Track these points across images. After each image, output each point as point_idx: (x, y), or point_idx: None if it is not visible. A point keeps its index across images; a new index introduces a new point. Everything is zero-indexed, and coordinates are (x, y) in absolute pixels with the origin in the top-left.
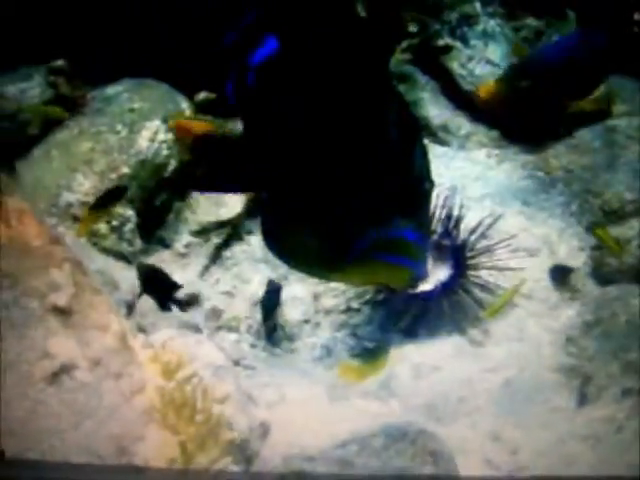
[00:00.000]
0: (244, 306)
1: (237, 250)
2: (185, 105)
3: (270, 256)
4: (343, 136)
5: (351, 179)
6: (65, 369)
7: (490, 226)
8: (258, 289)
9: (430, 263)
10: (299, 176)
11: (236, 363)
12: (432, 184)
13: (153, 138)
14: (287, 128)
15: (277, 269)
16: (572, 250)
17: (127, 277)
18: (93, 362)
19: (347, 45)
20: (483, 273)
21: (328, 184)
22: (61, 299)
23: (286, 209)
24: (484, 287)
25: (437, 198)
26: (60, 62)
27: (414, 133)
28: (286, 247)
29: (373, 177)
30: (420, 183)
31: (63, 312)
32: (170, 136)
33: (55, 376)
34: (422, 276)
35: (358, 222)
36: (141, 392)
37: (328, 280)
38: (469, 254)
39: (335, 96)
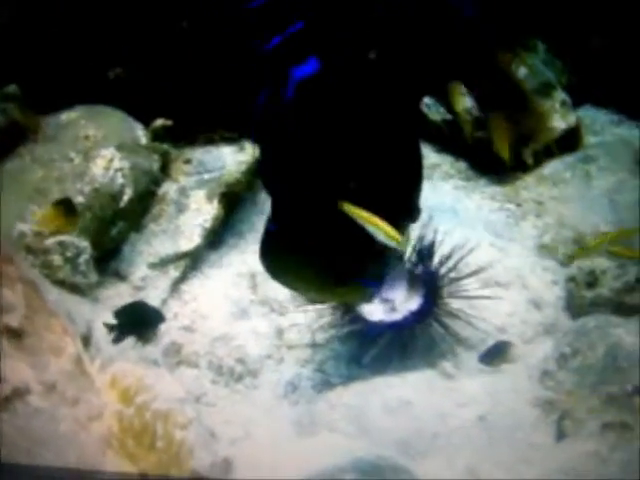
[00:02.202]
0: (204, 341)
1: (196, 284)
2: (141, 132)
3: (230, 291)
4: (366, 167)
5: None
6: (18, 394)
7: (462, 257)
8: (219, 324)
9: (402, 293)
10: (314, 201)
11: (197, 399)
12: (418, 212)
13: (108, 166)
14: (315, 150)
15: (238, 303)
16: (545, 283)
17: (82, 310)
18: (48, 387)
19: (385, 79)
20: (455, 303)
21: (341, 216)
22: (13, 320)
23: (287, 238)
24: (455, 317)
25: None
26: (12, 87)
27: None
28: (283, 272)
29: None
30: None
31: (16, 334)
32: (126, 164)
33: (7, 401)
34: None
35: (360, 257)
36: (99, 418)
37: (316, 301)
38: (440, 284)
39: (363, 130)
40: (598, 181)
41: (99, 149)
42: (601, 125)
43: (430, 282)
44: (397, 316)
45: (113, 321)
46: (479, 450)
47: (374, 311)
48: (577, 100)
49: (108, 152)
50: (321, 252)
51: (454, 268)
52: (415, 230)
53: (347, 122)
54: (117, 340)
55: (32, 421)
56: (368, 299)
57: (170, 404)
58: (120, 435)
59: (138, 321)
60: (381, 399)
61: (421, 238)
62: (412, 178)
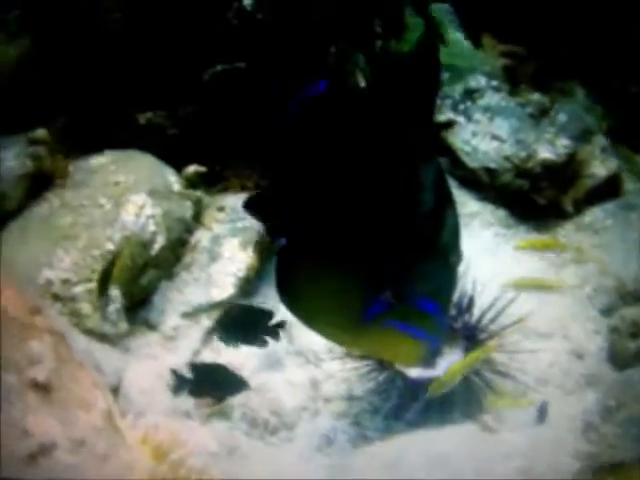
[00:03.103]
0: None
1: None
2: (173, 178)
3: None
4: (375, 193)
5: (376, 238)
6: (45, 449)
7: (502, 309)
8: (251, 374)
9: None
10: (323, 226)
11: (230, 452)
12: (460, 257)
13: (139, 213)
14: (319, 172)
15: (273, 354)
16: (587, 333)
17: (111, 360)
18: (76, 442)
19: (395, 105)
20: (495, 356)
21: (351, 240)
22: (41, 373)
23: (304, 261)
24: (496, 371)
25: None
26: (41, 131)
27: (447, 202)
28: (301, 302)
29: (399, 240)
30: (447, 254)
31: (43, 387)
32: (158, 211)
33: (33, 457)
34: (436, 352)
35: (377, 285)
36: (130, 475)
37: (339, 343)
38: (481, 337)
39: (373, 150)
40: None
41: (130, 195)
42: None
43: (470, 335)
44: (437, 372)
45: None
46: None
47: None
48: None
49: (139, 198)
50: (337, 276)
51: (494, 320)
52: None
53: (356, 147)
54: (176, 391)
55: (59, 477)
56: (426, 359)
57: (203, 459)
58: None
59: (214, 382)
60: (420, 453)
61: (460, 289)
62: (437, 217)
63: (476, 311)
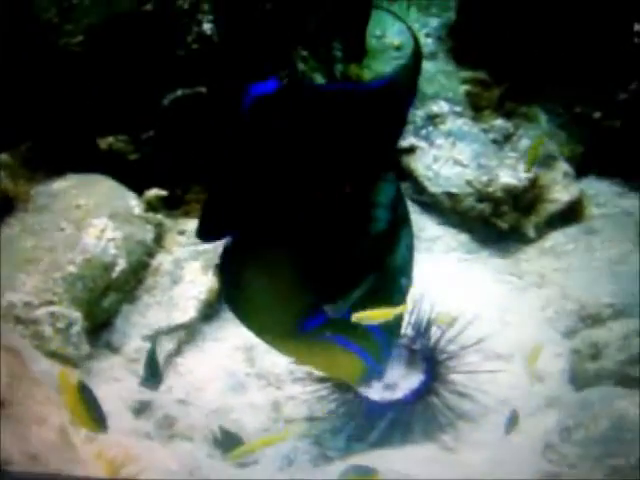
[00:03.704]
0: (199, 415)
1: (191, 356)
2: (134, 202)
3: (226, 363)
4: (323, 205)
5: (322, 250)
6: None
7: (462, 330)
8: (215, 398)
9: (401, 369)
10: (270, 225)
11: (191, 472)
12: (410, 282)
13: (100, 236)
14: (267, 171)
15: (234, 376)
16: (548, 355)
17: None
18: (30, 457)
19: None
20: (455, 378)
21: (296, 248)
22: None
23: (249, 265)
24: (456, 392)
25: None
26: (3, 156)
27: (403, 225)
28: (244, 304)
29: (347, 256)
30: (397, 277)
31: None
32: (119, 234)
33: None
34: (378, 376)
35: (321, 296)
36: None
37: (278, 350)
38: (440, 358)
39: (327, 155)
40: (601, 253)
41: (91, 218)
42: (605, 197)
43: (429, 357)
44: (397, 395)
45: None
46: None
47: (373, 387)
48: (582, 171)
49: (100, 222)
50: (282, 281)
51: (454, 341)
52: (413, 303)
53: (309, 150)
54: None
55: None
56: (364, 377)
57: (159, 476)
58: None
59: None
60: (381, 473)
61: (419, 312)
62: (390, 238)
63: (435, 333)
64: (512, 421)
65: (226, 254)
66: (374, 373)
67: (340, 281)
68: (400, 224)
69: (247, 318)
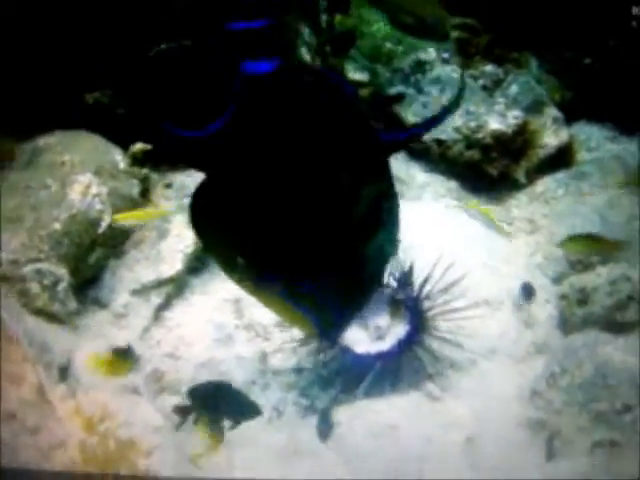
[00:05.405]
0: (188, 368)
1: (179, 310)
2: (119, 157)
3: (214, 316)
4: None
5: (299, 215)
6: None
7: (444, 276)
8: (203, 351)
9: (387, 320)
10: (248, 175)
11: (177, 427)
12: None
13: (85, 192)
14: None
15: (222, 329)
16: (537, 301)
17: (61, 339)
18: (8, 416)
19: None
20: (444, 326)
21: (274, 203)
22: None
23: (225, 203)
24: (445, 340)
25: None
26: None
27: (387, 219)
28: (212, 237)
29: (322, 230)
30: (369, 266)
31: None
32: (104, 189)
33: None
34: (330, 341)
35: (285, 259)
36: (61, 448)
37: (241, 287)
38: (429, 307)
39: (300, 145)
40: (590, 198)
41: (76, 175)
42: (596, 141)
43: (417, 305)
44: (384, 346)
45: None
46: (466, 473)
47: (360, 340)
48: (572, 116)
49: (85, 178)
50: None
51: (445, 290)
52: (402, 252)
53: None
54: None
55: None
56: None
57: (145, 432)
58: (83, 464)
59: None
60: (367, 424)
61: (407, 261)
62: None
63: (419, 281)
64: (527, 291)
65: (198, 194)
66: (324, 337)
67: (302, 253)
68: (384, 204)
69: (216, 257)
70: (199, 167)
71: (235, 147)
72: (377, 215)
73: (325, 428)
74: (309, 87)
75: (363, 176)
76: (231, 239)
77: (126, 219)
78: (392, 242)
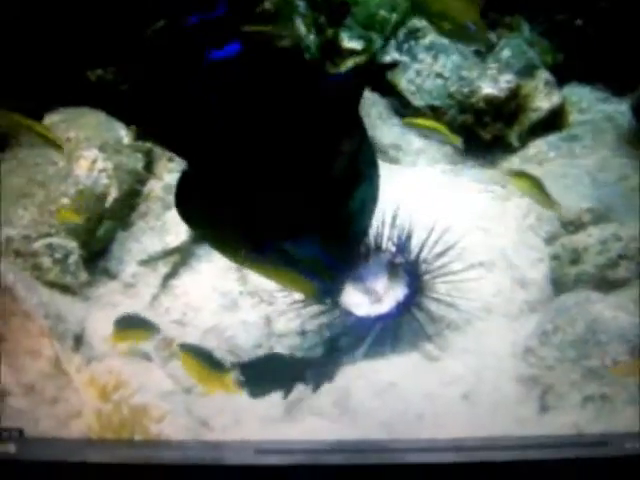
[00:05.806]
0: (196, 334)
1: (186, 278)
2: (123, 132)
3: (220, 283)
4: (287, 141)
5: (282, 183)
6: None
7: (444, 242)
8: (209, 317)
9: (385, 283)
10: (228, 157)
11: (187, 390)
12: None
13: (92, 167)
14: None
15: (228, 295)
16: (530, 261)
17: (74, 310)
18: (26, 388)
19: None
20: (440, 288)
21: (257, 177)
22: None
23: (208, 188)
24: (440, 302)
25: (385, 215)
26: None
27: (366, 171)
28: (202, 223)
29: (306, 193)
30: (356, 220)
31: None
32: (109, 164)
33: None
34: (334, 292)
35: (275, 227)
36: (78, 416)
37: (239, 264)
38: (424, 270)
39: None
40: (582, 160)
41: (82, 150)
42: (588, 103)
43: (415, 268)
44: (384, 308)
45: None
46: (463, 426)
47: (360, 303)
48: (564, 78)
49: (91, 153)
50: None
51: (441, 254)
52: (398, 216)
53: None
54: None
55: (13, 422)
56: (320, 297)
57: (157, 398)
58: (99, 431)
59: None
60: (368, 384)
61: (405, 226)
62: (350, 185)
63: (416, 245)
64: None
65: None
66: (328, 290)
67: (298, 214)
68: (360, 166)
69: (205, 235)
70: (179, 153)
71: (212, 129)
72: (356, 170)
73: (318, 380)
74: (269, 60)
75: (337, 131)
76: (222, 220)
77: None
78: (373, 195)
